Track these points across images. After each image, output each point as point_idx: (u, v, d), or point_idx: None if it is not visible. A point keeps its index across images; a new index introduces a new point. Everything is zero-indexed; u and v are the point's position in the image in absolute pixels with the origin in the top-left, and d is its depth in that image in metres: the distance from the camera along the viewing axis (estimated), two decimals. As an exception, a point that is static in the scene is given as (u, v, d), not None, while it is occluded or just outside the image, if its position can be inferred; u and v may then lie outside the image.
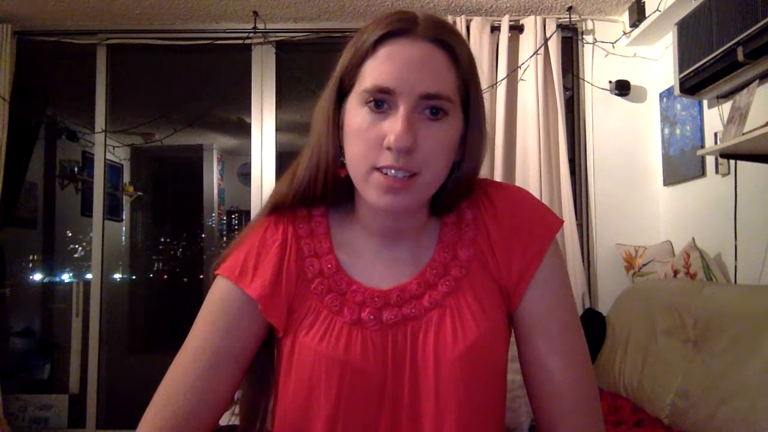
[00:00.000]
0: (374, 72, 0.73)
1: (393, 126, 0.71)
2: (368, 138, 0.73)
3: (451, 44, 0.74)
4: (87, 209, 3.80)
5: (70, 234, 4.70)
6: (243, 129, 4.03)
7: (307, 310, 0.77)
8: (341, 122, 0.78)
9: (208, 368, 0.75)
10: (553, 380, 0.76)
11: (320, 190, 0.80)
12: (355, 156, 0.75)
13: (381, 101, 0.73)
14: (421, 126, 0.72)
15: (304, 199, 0.81)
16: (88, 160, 4.40)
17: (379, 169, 0.72)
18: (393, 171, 0.71)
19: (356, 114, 0.75)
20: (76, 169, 4.53)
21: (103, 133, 3.35)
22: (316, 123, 0.81)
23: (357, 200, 0.82)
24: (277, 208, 0.83)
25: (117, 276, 4.96)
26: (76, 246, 4.67)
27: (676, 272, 2.62)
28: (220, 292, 0.80)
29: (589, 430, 0.76)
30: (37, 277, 4.50)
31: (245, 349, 0.78)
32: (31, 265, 4.44)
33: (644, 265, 2.83)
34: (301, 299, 0.78)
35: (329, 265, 0.80)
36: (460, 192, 0.81)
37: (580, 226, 3.12)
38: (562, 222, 0.82)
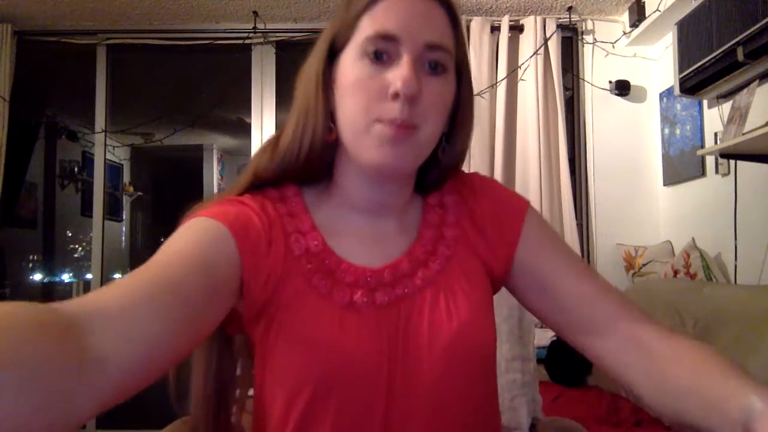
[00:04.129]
0: (375, 22, 0.70)
1: (399, 73, 0.68)
2: (370, 88, 0.70)
3: (450, 3, 0.73)
4: (87, 209, 3.80)
5: (69, 234, 4.70)
6: (243, 129, 4.03)
7: (293, 293, 0.71)
8: (332, 82, 0.75)
9: (176, 296, 0.58)
10: (573, 291, 0.76)
11: (304, 159, 0.75)
12: (354, 110, 0.71)
13: (382, 52, 0.70)
14: (422, 78, 0.70)
15: (287, 170, 0.76)
16: (88, 160, 4.40)
17: (381, 122, 0.69)
18: (398, 112, 0.68)
19: (354, 66, 0.71)
20: (76, 169, 4.54)
21: (103, 133, 3.35)
22: (303, 86, 0.77)
23: (338, 174, 0.78)
24: (256, 182, 0.78)
25: (117, 276, 4.96)
26: (76, 246, 4.68)
27: (676, 272, 2.62)
28: (189, 227, 0.69)
29: (643, 316, 0.74)
30: (37, 277, 4.50)
31: (219, 291, 0.65)
32: (31, 265, 4.44)
33: (644, 265, 2.83)
34: (287, 279, 0.72)
35: (315, 242, 0.74)
36: (452, 166, 0.80)
37: (579, 226, 3.12)
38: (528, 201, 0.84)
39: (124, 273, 5.09)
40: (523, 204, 0.82)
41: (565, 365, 2.94)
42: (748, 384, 0.60)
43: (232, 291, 0.68)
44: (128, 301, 0.54)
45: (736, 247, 2.36)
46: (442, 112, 0.73)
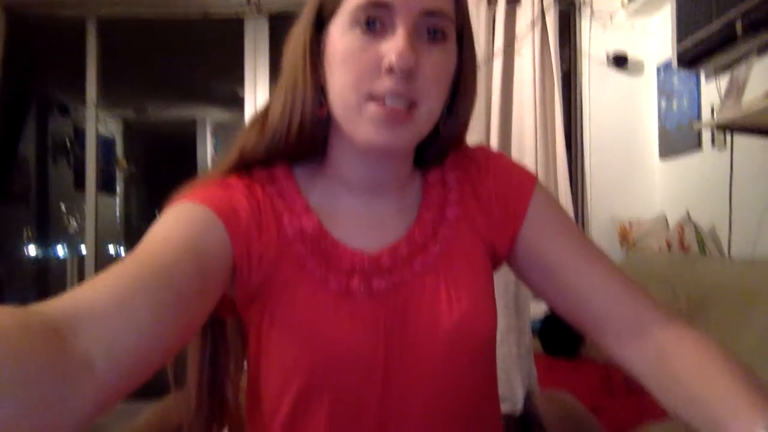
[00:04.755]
0: None
1: (393, 44, 0.63)
2: (361, 62, 0.64)
3: None
4: (80, 184, 3.77)
5: (64, 209, 4.68)
6: (236, 103, 3.99)
7: (287, 278, 0.68)
8: (321, 54, 0.69)
9: (162, 289, 0.54)
10: (578, 276, 0.72)
11: (294, 137, 0.70)
12: (345, 85, 0.65)
13: (374, 20, 0.64)
14: (420, 49, 0.64)
15: (276, 149, 0.72)
16: (80, 135, 4.37)
17: (374, 99, 0.64)
18: (392, 98, 0.63)
19: (344, 37, 0.66)
20: (68, 143, 4.50)
21: (95, 106, 3.31)
22: (290, 57, 0.71)
23: (332, 150, 0.73)
24: (243, 162, 0.73)
25: (112, 251, 4.94)
26: (71, 220, 4.66)
27: (670, 246, 2.63)
28: (176, 213, 0.65)
29: (651, 307, 0.70)
30: (32, 253, 4.49)
31: (210, 280, 0.62)
32: (25, 240, 4.42)
33: (639, 239, 2.84)
34: (280, 263, 0.68)
35: (310, 223, 0.70)
36: (454, 139, 0.76)
37: (575, 199, 3.12)
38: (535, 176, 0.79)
39: (118, 247, 5.08)
40: (531, 180, 0.77)
41: (559, 337, 2.96)
42: (757, 404, 0.57)
43: (224, 278, 0.65)
44: (115, 297, 0.50)
45: (730, 221, 2.37)
46: (444, 85, 0.68)
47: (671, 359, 0.65)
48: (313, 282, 0.69)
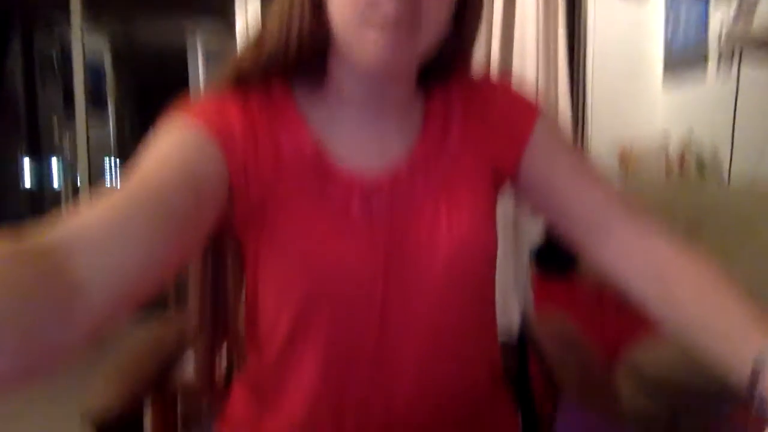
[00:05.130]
0: None
1: None
2: None
3: None
4: (70, 106, 3.70)
5: (56, 128, 4.60)
6: (227, 32, 3.85)
7: (284, 200, 0.67)
8: None
9: (160, 208, 0.54)
10: (581, 198, 0.72)
11: (293, 53, 0.67)
12: (342, 5, 0.63)
13: None
14: None
15: (274, 65, 0.68)
16: (67, 52, 4.24)
17: (374, 17, 0.61)
18: (393, 16, 0.60)
19: None
20: (55, 62, 4.37)
21: (80, 20, 3.19)
22: None
23: (332, 67, 0.70)
24: (239, 79, 0.70)
25: (107, 175, 4.91)
26: (63, 140, 4.59)
27: (670, 170, 2.62)
28: (170, 133, 0.64)
29: (653, 227, 0.70)
30: (25, 176, 4.45)
31: (207, 201, 0.61)
32: (16, 165, 4.38)
33: (639, 162, 2.82)
34: (278, 183, 0.67)
35: (307, 142, 0.68)
36: (459, 59, 0.73)
37: (575, 122, 3.08)
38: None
39: (113, 172, 5.04)
40: (536, 108, 0.76)
41: (553, 259, 3.00)
42: (761, 330, 0.57)
43: (220, 200, 0.64)
44: (110, 222, 0.50)
45: (732, 149, 2.34)
46: (447, 3, 0.65)
47: (671, 278, 0.65)
48: (310, 203, 0.67)
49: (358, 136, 0.71)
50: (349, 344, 0.69)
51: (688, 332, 0.62)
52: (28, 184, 4.47)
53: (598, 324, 2.21)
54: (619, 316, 2.48)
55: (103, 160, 4.87)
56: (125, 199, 0.53)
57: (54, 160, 4.61)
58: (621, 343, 1.84)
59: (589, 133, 3.10)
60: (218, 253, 0.75)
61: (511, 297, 1.17)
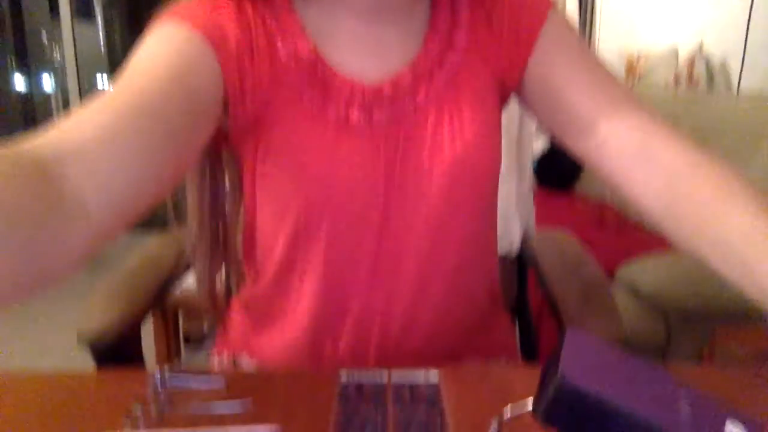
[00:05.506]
0: None
1: None
2: None
3: None
4: (55, 9, 3.54)
5: (45, 38, 4.43)
6: None
7: (281, 108, 0.64)
8: None
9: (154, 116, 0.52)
10: (588, 97, 0.67)
11: None
12: None
13: None
14: None
15: None
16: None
17: None
18: None
19: None
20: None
21: None
22: None
23: None
24: None
25: (98, 81, 4.78)
26: (53, 50, 4.44)
27: (678, 80, 2.53)
28: (161, 37, 0.60)
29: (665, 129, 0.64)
30: (16, 85, 4.34)
31: (202, 110, 0.58)
32: (5, 74, 4.25)
33: (646, 72, 2.73)
34: (274, 91, 0.64)
35: (305, 47, 0.65)
36: None
37: (583, 29, 2.96)
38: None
39: (104, 81, 4.91)
40: (546, 4, 0.70)
41: (554, 171, 2.98)
42: None
43: (216, 108, 0.61)
44: (102, 133, 0.47)
45: (744, 56, 2.26)
46: None
47: (682, 186, 0.59)
48: (308, 113, 0.65)
49: (358, 42, 0.67)
50: (347, 259, 0.68)
51: (704, 245, 0.57)
52: (19, 98, 4.37)
53: (597, 240, 2.21)
54: (619, 234, 2.49)
55: (95, 76, 4.72)
56: (116, 110, 0.50)
57: (45, 76, 4.48)
58: (619, 262, 1.85)
59: (597, 40, 2.98)
60: (216, 169, 0.73)
61: (513, 215, 1.14)
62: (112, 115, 0.49)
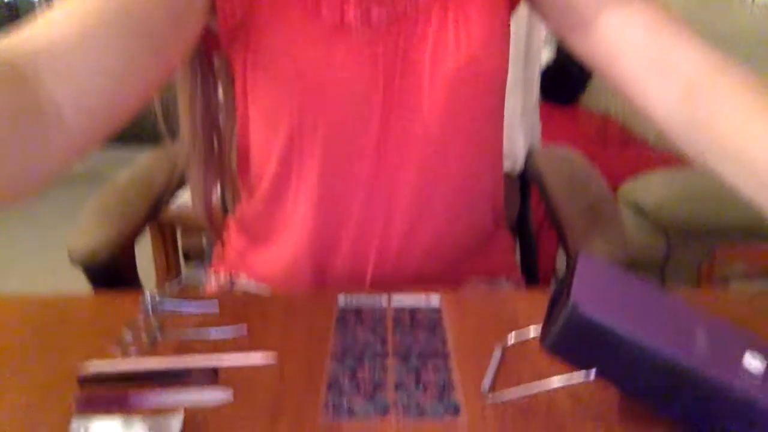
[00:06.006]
0: None
1: None
2: None
3: None
4: None
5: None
6: None
7: (273, 7, 0.60)
8: None
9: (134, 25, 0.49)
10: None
11: None
12: None
13: None
14: None
15: None
16: None
17: None
18: None
19: None
20: None
21: None
22: None
23: None
24: None
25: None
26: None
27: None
28: None
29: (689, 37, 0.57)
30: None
31: (186, 11, 0.55)
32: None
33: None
34: None
35: None
36: None
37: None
38: None
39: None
40: None
41: (559, 84, 2.90)
42: None
43: (202, 8, 0.57)
44: (77, 35, 0.45)
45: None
46: None
47: (701, 97, 0.54)
48: (301, 11, 0.60)
49: None
50: (344, 173, 0.65)
51: (719, 162, 0.52)
52: (4, 5, 4.18)
53: (601, 155, 2.17)
54: (622, 150, 2.44)
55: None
56: (92, 12, 0.47)
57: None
58: (622, 179, 1.82)
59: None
60: (208, 80, 0.69)
61: (517, 128, 1.10)
62: (85, 17, 0.47)
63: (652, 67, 0.57)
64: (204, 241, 2.01)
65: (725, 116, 0.52)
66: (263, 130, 0.66)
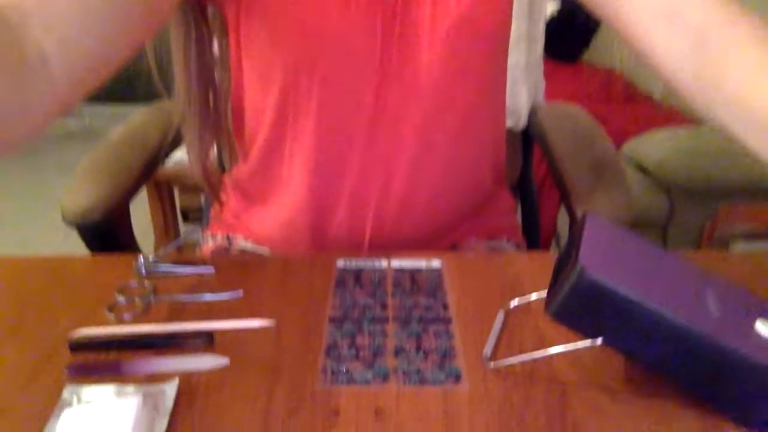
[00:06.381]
0: None
1: None
2: None
3: None
4: None
5: None
6: None
7: None
8: None
9: None
10: None
11: None
12: None
13: None
14: None
15: None
16: None
17: None
18: None
19: None
20: None
21: None
22: None
23: None
24: None
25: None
26: None
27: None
28: None
29: None
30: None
31: None
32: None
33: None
34: None
35: None
36: None
37: None
38: None
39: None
40: None
41: (563, 39, 2.84)
42: None
43: None
44: None
45: None
46: None
47: (713, 49, 0.51)
48: None
49: None
50: (341, 128, 0.63)
51: (730, 119, 0.50)
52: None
53: (604, 112, 2.14)
54: (626, 107, 2.40)
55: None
56: None
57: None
58: (626, 137, 1.79)
59: None
60: (202, 32, 0.66)
61: (521, 84, 1.06)
62: None
63: (661, 16, 0.54)
64: (202, 200, 1.99)
65: (735, 69, 0.49)
66: (257, 86, 0.64)
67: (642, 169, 1.66)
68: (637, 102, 2.45)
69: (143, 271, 0.56)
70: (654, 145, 1.64)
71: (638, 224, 0.74)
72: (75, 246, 0.75)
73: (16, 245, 2.24)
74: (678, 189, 1.60)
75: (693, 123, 2.15)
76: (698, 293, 0.40)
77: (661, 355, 0.38)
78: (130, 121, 0.91)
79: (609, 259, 0.40)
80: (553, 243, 1.88)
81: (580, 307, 0.38)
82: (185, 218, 2.07)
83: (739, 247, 1.64)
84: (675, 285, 0.41)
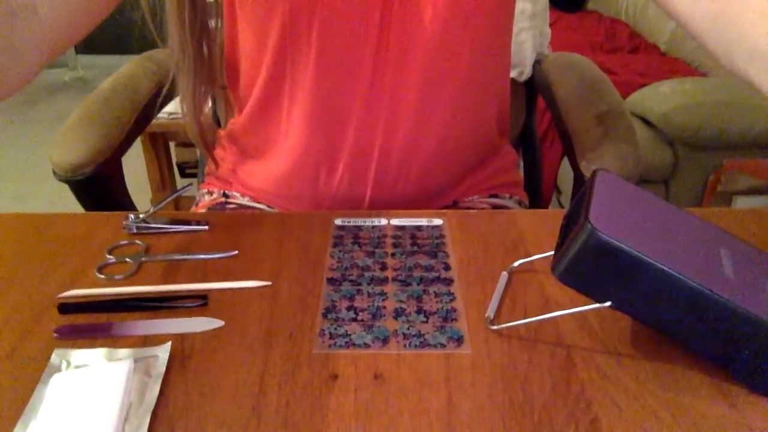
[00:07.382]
0: None
1: None
2: None
3: None
4: None
5: None
6: None
7: None
8: None
9: None
10: None
11: None
12: None
13: None
14: None
15: None
16: None
17: None
18: None
19: None
20: None
21: None
22: None
23: None
24: None
25: None
26: None
27: None
28: None
29: None
30: None
31: None
32: None
33: None
34: None
35: None
36: None
37: None
38: None
39: None
40: None
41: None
42: None
43: None
44: None
45: None
46: None
47: None
48: None
49: None
50: (341, 80, 0.60)
51: (750, 67, 0.47)
52: None
53: (609, 63, 2.09)
54: (633, 56, 2.35)
55: None
56: None
57: None
58: (630, 89, 1.75)
59: None
60: None
61: (525, 33, 1.03)
62: None
63: None
64: (198, 154, 1.96)
65: (754, 10, 0.47)
66: (252, 36, 0.61)
67: (646, 121, 1.63)
68: (643, 51, 2.39)
69: (134, 229, 0.54)
70: (659, 99, 1.60)
71: (640, 179, 0.72)
72: (70, 200, 0.73)
73: (10, 200, 2.22)
74: (682, 143, 1.57)
75: (698, 75, 2.11)
76: (713, 254, 0.39)
77: (673, 319, 0.36)
78: (120, 72, 0.88)
79: (620, 218, 0.38)
80: (554, 198, 1.86)
81: (589, 268, 0.37)
82: (182, 173, 2.04)
83: (742, 202, 1.62)
84: (689, 246, 0.39)
